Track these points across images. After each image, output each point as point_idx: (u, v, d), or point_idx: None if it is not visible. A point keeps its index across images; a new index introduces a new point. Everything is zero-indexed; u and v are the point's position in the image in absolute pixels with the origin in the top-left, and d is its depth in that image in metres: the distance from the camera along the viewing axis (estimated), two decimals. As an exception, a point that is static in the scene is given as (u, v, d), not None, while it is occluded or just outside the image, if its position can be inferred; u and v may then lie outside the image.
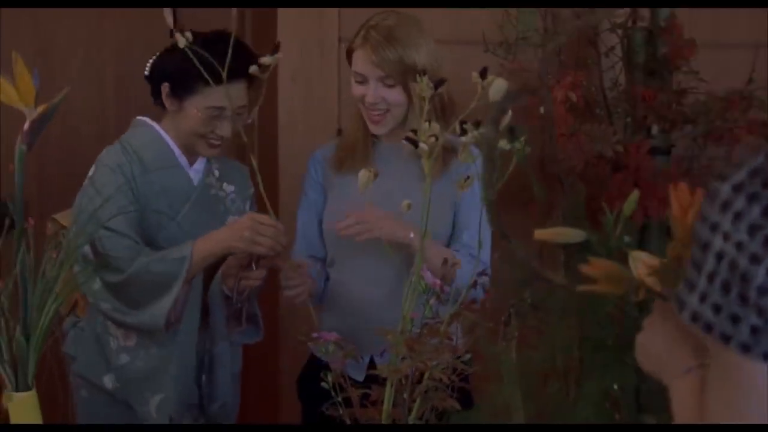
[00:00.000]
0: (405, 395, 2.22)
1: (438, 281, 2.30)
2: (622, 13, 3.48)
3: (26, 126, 2.11)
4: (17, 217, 2.09)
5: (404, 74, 2.70)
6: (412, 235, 2.63)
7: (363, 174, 2.24)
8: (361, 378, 2.59)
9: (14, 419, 2.11)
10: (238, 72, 2.70)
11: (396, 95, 2.74)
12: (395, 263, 2.72)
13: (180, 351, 2.77)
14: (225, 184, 2.93)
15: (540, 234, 1.87)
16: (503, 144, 2.18)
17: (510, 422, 1.97)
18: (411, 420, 2.21)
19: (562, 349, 1.88)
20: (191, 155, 2.86)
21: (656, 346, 1.53)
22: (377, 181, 2.76)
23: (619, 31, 3.44)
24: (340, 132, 3.67)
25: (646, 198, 3.05)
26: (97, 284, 2.72)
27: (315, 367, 2.91)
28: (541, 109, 1.89)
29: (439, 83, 2.22)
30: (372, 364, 2.69)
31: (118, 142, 2.84)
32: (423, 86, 2.21)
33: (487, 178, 1.66)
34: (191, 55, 2.51)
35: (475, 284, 2.33)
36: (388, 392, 2.21)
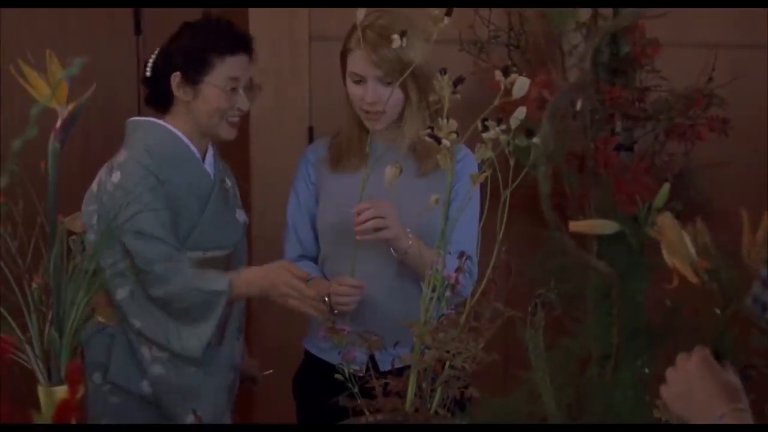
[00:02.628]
0: (425, 384, 2.29)
1: (453, 274, 2.36)
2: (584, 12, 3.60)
3: (58, 124, 2.12)
4: (50, 215, 2.10)
5: (401, 72, 2.73)
6: (410, 243, 2.70)
7: (390, 170, 2.29)
8: (361, 373, 2.61)
9: (46, 413, 2.12)
10: (244, 43, 2.82)
11: (394, 93, 2.78)
12: (394, 261, 2.78)
13: (218, 372, 2.82)
14: (226, 177, 2.97)
15: (575, 226, 1.96)
16: (520, 141, 2.26)
17: (542, 407, 2.04)
18: (432, 408, 2.27)
19: (598, 336, 1.96)
20: (201, 150, 2.86)
21: (691, 392, 1.68)
22: (372, 179, 2.83)
23: (583, 31, 3.57)
24: (311, 130, 3.73)
25: (615, 193, 3.16)
26: (132, 300, 2.73)
27: (312, 364, 2.96)
28: (578, 105, 1.96)
29: (458, 81, 2.28)
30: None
31: (133, 145, 2.81)
32: (443, 84, 2.27)
33: (543, 173, 1.73)
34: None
35: (459, 269, 2.40)
36: (412, 382, 2.27)
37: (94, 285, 2.17)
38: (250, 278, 2.76)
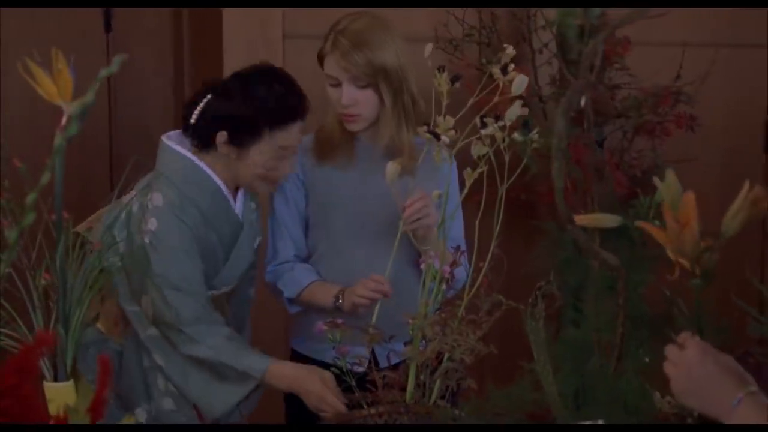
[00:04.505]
0: (423, 377, 2.33)
1: (447, 268, 2.41)
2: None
3: (64, 121, 2.12)
4: (57, 212, 2.11)
5: (374, 76, 2.76)
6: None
7: (391, 166, 2.33)
8: (362, 367, 2.53)
9: (52, 410, 2.13)
10: (295, 115, 2.70)
11: (368, 96, 2.79)
12: (389, 255, 2.78)
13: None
14: (252, 202, 2.86)
15: (580, 220, 2.01)
16: (518, 137, 2.31)
17: (544, 396, 2.09)
18: (432, 400, 2.32)
19: (603, 326, 2.01)
20: (233, 189, 2.77)
21: (700, 384, 1.65)
22: (357, 175, 2.85)
23: (553, 29, 3.63)
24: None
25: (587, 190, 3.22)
26: (159, 342, 2.67)
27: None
28: (582, 102, 2.01)
29: (455, 78, 2.32)
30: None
31: (169, 185, 2.68)
32: (441, 81, 2.31)
33: (557, 168, 1.77)
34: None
35: (454, 263, 2.45)
36: (412, 374, 2.31)
37: (99, 283, 2.19)
38: (285, 374, 2.63)
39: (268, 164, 2.68)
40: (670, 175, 1.63)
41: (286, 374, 2.62)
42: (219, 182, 2.70)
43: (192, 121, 2.68)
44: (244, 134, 2.65)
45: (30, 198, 1.65)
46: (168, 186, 2.67)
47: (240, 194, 2.78)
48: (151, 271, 2.56)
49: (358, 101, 2.80)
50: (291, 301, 2.92)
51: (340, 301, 2.78)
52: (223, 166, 2.69)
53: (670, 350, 1.68)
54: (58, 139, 1.71)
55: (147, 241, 2.60)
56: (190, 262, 2.61)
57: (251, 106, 2.63)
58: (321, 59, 2.86)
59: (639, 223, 1.70)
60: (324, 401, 2.51)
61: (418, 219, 2.62)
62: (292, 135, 2.67)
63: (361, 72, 2.76)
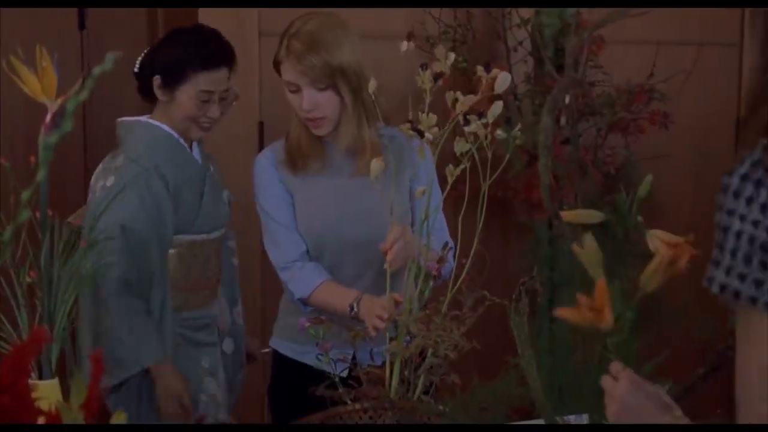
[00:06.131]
0: (407, 372, 2.34)
1: (435, 265, 2.42)
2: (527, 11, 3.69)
3: (48, 119, 2.12)
4: (42, 209, 2.11)
5: (332, 76, 2.72)
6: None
7: (374, 163, 2.33)
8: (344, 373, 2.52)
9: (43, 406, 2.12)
10: (223, 58, 2.98)
11: (328, 97, 2.75)
12: (373, 263, 2.77)
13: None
14: (210, 164, 3.14)
15: (564, 216, 2.02)
16: (499, 133, 2.33)
17: (528, 391, 2.10)
18: (416, 395, 2.33)
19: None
20: (188, 142, 3.05)
21: (631, 415, 1.65)
22: (333, 178, 2.84)
23: (528, 27, 3.66)
24: (261, 125, 3.76)
25: (566, 187, 3.24)
26: None
27: (288, 370, 2.96)
28: (566, 99, 2.02)
29: (438, 76, 2.34)
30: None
31: (131, 148, 3.00)
32: (424, 78, 2.32)
33: (544, 164, 1.79)
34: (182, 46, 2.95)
35: (441, 260, 2.47)
36: (396, 370, 2.32)
37: (85, 280, 2.18)
38: (159, 381, 2.94)
39: (193, 108, 2.97)
40: (588, 240, 1.64)
41: (159, 384, 2.93)
42: (170, 130, 3.01)
43: (136, 70, 3.02)
44: (172, 76, 2.96)
45: (24, 195, 1.65)
46: (129, 147, 3.00)
47: (195, 144, 3.09)
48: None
49: (319, 104, 2.75)
50: (303, 302, 2.84)
51: (356, 310, 2.67)
52: (164, 117, 3.01)
53: (605, 382, 1.69)
54: (53, 137, 1.70)
55: (97, 195, 2.93)
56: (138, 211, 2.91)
57: (178, 50, 2.97)
58: (277, 66, 2.81)
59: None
60: (180, 401, 2.91)
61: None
62: (214, 79, 2.96)
63: (318, 74, 2.71)
